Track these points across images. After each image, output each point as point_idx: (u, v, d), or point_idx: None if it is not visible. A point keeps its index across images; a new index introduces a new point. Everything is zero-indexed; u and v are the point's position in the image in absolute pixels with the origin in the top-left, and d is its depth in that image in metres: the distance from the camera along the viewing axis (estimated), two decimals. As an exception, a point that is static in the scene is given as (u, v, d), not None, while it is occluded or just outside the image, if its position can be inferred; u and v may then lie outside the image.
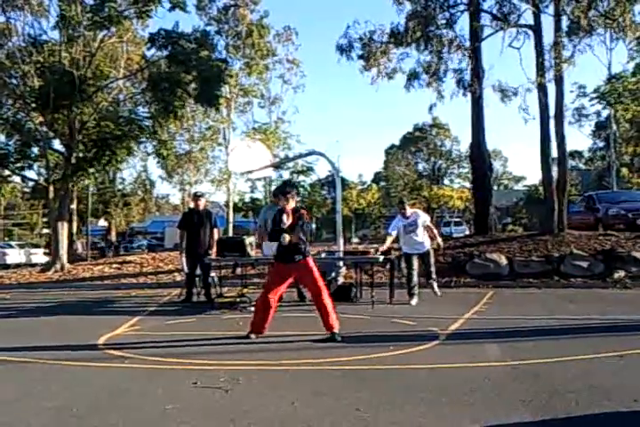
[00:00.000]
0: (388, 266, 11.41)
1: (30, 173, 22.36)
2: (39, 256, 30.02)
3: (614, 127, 38.88)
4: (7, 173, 21.36)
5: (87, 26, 17.97)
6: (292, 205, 7.24)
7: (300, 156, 27.51)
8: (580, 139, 79.27)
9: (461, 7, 17.71)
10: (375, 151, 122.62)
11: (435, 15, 17.33)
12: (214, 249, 10.67)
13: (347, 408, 4.27)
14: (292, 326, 7.36)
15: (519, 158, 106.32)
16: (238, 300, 10.48)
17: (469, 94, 17.72)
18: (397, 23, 17.58)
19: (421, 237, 10.38)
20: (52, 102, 17.45)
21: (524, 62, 20.27)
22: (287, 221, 7.01)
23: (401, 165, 61.54)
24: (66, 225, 19.61)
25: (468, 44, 17.56)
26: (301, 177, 35.89)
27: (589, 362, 5.46)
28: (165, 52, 18.74)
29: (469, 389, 4.66)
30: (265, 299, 7.05)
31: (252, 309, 9.31)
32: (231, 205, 34.92)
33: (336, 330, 6.80)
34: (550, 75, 16.34)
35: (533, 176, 72.31)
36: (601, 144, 50.97)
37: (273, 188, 29.65)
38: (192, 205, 11.66)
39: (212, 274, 11.17)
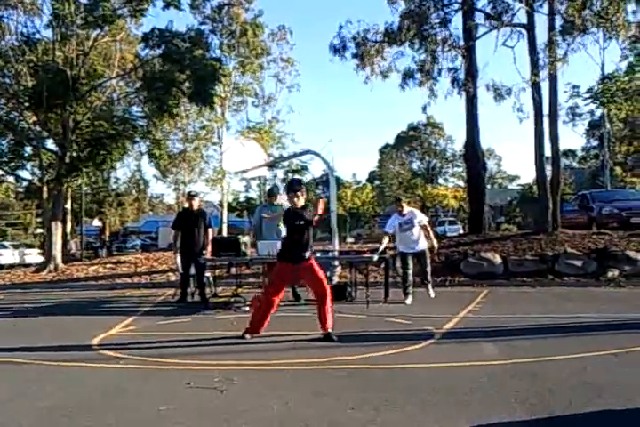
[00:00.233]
0: (382, 265, 11.44)
1: (24, 173, 22.23)
2: (33, 256, 29.89)
3: (608, 126, 38.97)
4: (0, 172, 21.28)
5: (81, 25, 17.91)
6: (302, 202, 7.22)
7: (295, 155, 27.51)
8: (573, 138, 79.83)
9: (455, 6, 17.75)
10: (369, 150, 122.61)
11: (429, 14, 17.36)
12: (209, 249, 10.66)
13: (343, 408, 4.27)
14: (287, 326, 7.35)
15: (513, 157, 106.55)
16: (233, 300, 10.48)
17: (464, 93, 17.75)
18: (392, 22, 17.63)
19: (417, 235, 10.38)
20: (45, 101, 17.39)
21: (518, 61, 20.34)
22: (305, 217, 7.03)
23: (395, 164, 61.60)
24: (60, 225, 19.55)
25: (462, 43, 17.59)
26: (296, 176, 35.85)
27: (584, 360, 5.47)
28: (159, 51, 18.70)
29: (465, 387, 4.67)
30: (268, 299, 7.03)
31: (247, 309, 9.35)
32: (225, 204, 34.85)
33: (331, 329, 6.80)
34: (544, 73, 16.39)
35: (527, 175, 72.49)
36: (594, 143, 51.11)
37: (267, 187, 29.64)
38: (186, 204, 11.65)
39: (207, 274, 11.16)
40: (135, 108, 21.02)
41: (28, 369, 5.75)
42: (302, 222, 7.02)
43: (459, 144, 54.76)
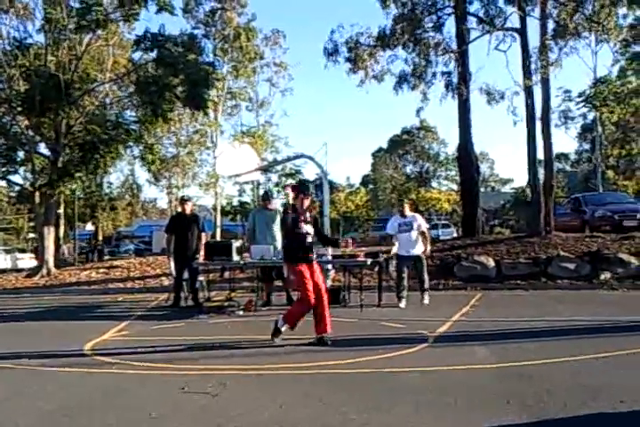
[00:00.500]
0: (376, 269, 11.44)
1: (16, 178, 22.12)
2: (25, 261, 29.75)
3: (600, 130, 39.15)
4: (-8, 177, 21.17)
5: (73, 29, 17.86)
6: (308, 204, 7.26)
7: (289, 159, 27.42)
8: (566, 141, 79.90)
9: (448, 10, 17.84)
10: (363, 154, 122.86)
11: (422, 18, 17.42)
12: (202, 253, 10.64)
13: (336, 412, 4.26)
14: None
15: (506, 161, 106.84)
16: (226, 304, 10.45)
17: (457, 97, 17.81)
18: (384, 26, 17.66)
19: (414, 239, 10.38)
20: (37, 106, 17.33)
21: (511, 65, 20.41)
22: (308, 225, 7.08)
23: (389, 167, 61.63)
24: (52, 230, 19.47)
25: (454, 47, 17.65)
26: (290, 180, 35.82)
27: (577, 363, 5.48)
28: (152, 56, 18.66)
29: (459, 391, 4.67)
30: (309, 299, 6.95)
31: (241, 313, 9.35)
32: (219, 208, 34.79)
33: (329, 331, 6.79)
34: (537, 77, 16.47)
35: (520, 178, 72.69)
36: (587, 146, 51.29)
37: (261, 191, 29.60)
38: (179, 209, 11.62)
39: (200, 278, 11.14)
40: (128, 113, 20.97)
41: (18, 374, 5.72)
42: (308, 226, 7.08)
43: (452, 148, 54.84)
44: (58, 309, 11.70)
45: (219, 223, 34.01)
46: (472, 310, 9.56)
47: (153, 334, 7.95)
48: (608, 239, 14.46)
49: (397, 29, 17.12)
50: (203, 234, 11.04)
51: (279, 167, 32.24)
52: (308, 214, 7.20)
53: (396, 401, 4.48)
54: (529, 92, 16.30)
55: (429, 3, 17.63)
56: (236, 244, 10.48)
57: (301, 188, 7.62)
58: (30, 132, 19.54)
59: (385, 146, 62.81)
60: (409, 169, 63.56)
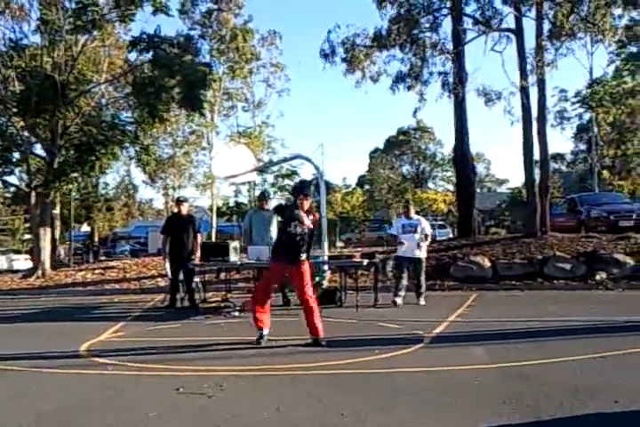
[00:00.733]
0: (372, 270, 11.45)
1: (12, 179, 22.06)
2: (21, 262, 29.70)
3: (596, 130, 39.23)
4: (-12, 178, 21.10)
5: (69, 30, 17.84)
6: (307, 205, 7.16)
7: (285, 160, 27.38)
8: (562, 141, 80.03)
9: (444, 11, 17.84)
10: (359, 154, 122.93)
11: (418, 19, 17.44)
12: (198, 254, 10.63)
13: (334, 412, 4.26)
14: (276, 331, 7.32)
15: (502, 161, 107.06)
16: (222, 305, 10.46)
17: (453, 97, 17.83)
18: (381, 27, 17.67)
19: (416, 241, 10.42)
20: (33, 107, 17.29)
21: (507, 66, 20.45)
22: (307, 221, 6.96)
23: (385, 168, 61.62)
24: (48, 231, 19.42)
25: (451, 47, 17.67)
26: (286, 181, 35.81)
27: (574, 363, 5.49)
28: (149, 57, 18.64)
29: (455, 391, 4.67)
30: (256, 295, 7.01)
31: (237, 314, 9.34)
32: (215, 209, 34.77)
33: (321, 335, 6.78)
34: (533, 78, 16.51)
35: (516, 179, 72.84)
36: (583, 147, 51.34)
37: (257, 192, 29.55)
38: (175, 209, 11.61)
39: (196, 279, 11.12)
40: (124, 114, 20.94)
41: (13, 376, 5.71)
42: (304, 226, 6.98)
43: (448, 148, 54.75)
44: (54, 310, 11.67)
45: (215, 224, 33.97)
46: (468, 310, 9.57)
47: (149, 334, 7.94)
48: (604, 240, 14.49)
49: (394, 30, 17.12)
50: (199, 235, 11.03)
51: (275, 168, 32.25)
52: (307, 217, 7.05)
53: (393, 401, 4.49)
54: (525, 92, 16.32)
55: (425, 3, 17.63)
56: (233, 244, 10.48)
57: (300, 189, 7.57)
58: (26, 133, 19.50)
59: (381, 146, 62.79)
60: (405, 169, 63.56)
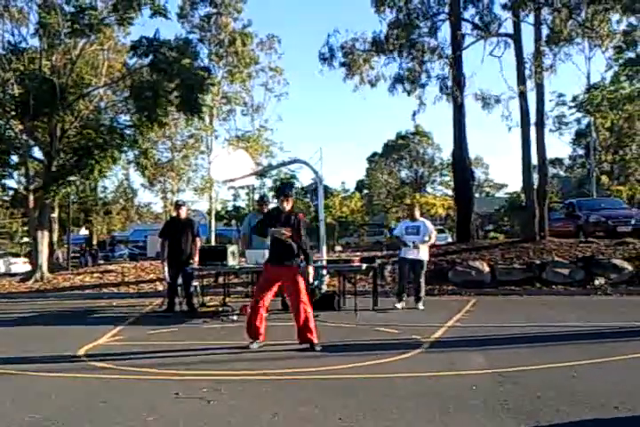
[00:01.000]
0: (371, 274, 11.45)
1: (10, 182, 22.04)
2: (19, 266, 29.64)
3: (594, 135, 39.28)
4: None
5: (67, 33, 17.86)
6: (289, 206, 7.16)
7: (284, 164, 27.43)
8: (560, 146, 79.99)
9: (443, 16, 17.86)
10: (358, 159, 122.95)
11: (417, 23, 17.47)
12: (196, 258, 10.61)
13: (331, 418, 4.26)
14: (275, 336, 7.32)
15: (501, 166, 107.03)
16: (221, 309, 10.46)
17: (451, 102, 17.85)
18: (379, 31, 17.71)
19: (417, 242, 10.45)
20: (32, 110, 17.30)
21: (505, 71, 20.49)
22: (287, 231, 6.92)
23: (383, 172, 61.66)
24: (46, 234, 19.41)
25: (449, 52, 17.69)
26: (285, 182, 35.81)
27: (571, 369, 5.48)
28: (147, 61, 18.66)
29: (453, 397, 4.67)
30: (252, 302, 7.00)
31: (235, 318, 9.33)
32: (213, 213, 34.77)
33: (315, 341, 6.75)
34: (531, 83, 16.54)
35: (515, 183, 72.89)
36: (581, 152, 51.41)
37: (256, 196, 29.58)
38: (174, 213, 11.59)
39: (195, 283, 11.11)
40: (123, 117, 20.94)
41: (11, 380, 5.70)
42: (289, 227, 6.94)
43: (447, 153, 54.95)
44: (52, 313, 11.65)
45: (213, 228, 33.95)
46: (466, 315, 9.56)
47: (147, 339, 7.92)
48: (602, 245, 14.50)
49: (392, 35, 17.16)
50: (198, 239, 11.01)
51: (274, 172, 32.32)
52: (290, 218, 7.05)
53: (390, 407, 4.48)
54: (523, 97, 16.35)
55: (424, 8, 17.66)
56: (231, 248, 10.46)
57: (281, 190, 7.66)
58: (24, 136, 19.47)
59: (379, 151, 62.83)
60: (404, 174, 63.59)
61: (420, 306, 10.41)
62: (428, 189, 61.52)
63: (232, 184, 15.47)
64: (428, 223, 10.76)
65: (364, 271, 10.99)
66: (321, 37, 30.41)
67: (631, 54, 22.14)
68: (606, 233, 16.53)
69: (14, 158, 19.89)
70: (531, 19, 16.83)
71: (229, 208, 38.08)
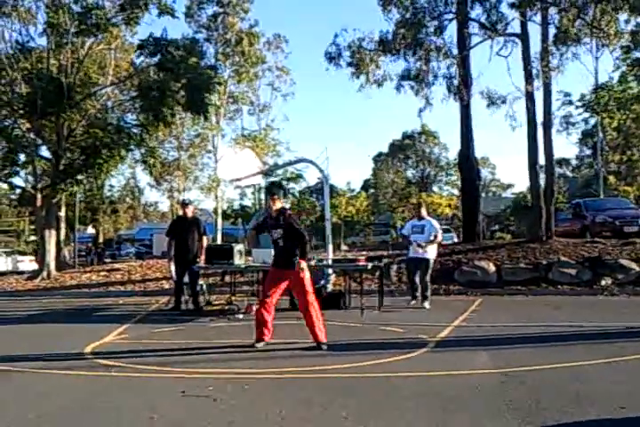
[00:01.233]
0: (377, 273, 11.46)
1: (17, 180, 22.13)
2: (26, 264, 29.75)
3: (601, 135, 39.13)
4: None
5: (75, 33, 17.91)
6: (277, 206, 7.19)
7: (290, 163, 27.51)
8: (567, 146, 79.87)
9: (450, 16, 17.84)
10: (364, 159, 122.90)
11: (424, 23, 17.44)
12: (203, 257, 10.63)
13: (336, 416, 4.26)
14: (281, 335, 7.33)
15: (507, 166, 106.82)
16: (227, 307, 10.47)
17: (458, 102, 17.82)
18: (386, 31, 17.71)
19: (422, 241, 10.52)
20: (39, 109, 17.37)
21: (512, 71, 20.43)
22: (278, 230, 6.98)
23: (390, 172, 61.61)
24: (53, 232, 19.48)
25: (456, 51, 17.67)
26: (291, 184, 35.92)
27: (577, 369, 5.47)
28: (154, 60, 18.71)
29: (458, 397, 4.66)
30: (261, 306, 7.03)
31: (241, 316, 9.35)
32: (220, 212, 34.82)
33: (322, 340, 6.76)
34: (538, 83, 16.49)
35: (521, 183, 72.72)
36: (588, 152, 51.31)
37: (262, 195, 29.64)
38: (181, 212, 11.61)
39: (201, 282, 11.13)
40: (130, 116, 21.00)
41: (18, 377, 5.72)
42: (280, 229, 7.01)
43: (453, 152, 54.86)
44: (58, 311, 11.69)
45: (219, 227, 34.00)
46: (472, 315, 9.54)
47: (153, 337, 7.94)
48: (609, 245, 14.45)
49: (399, 34, 17.15)
50: (204, 237, 11.03)
51: (280, 171, 32.36)
52: (279, 219, 7.09)
53: (395, 406, 4.48)
54: (530, 97, 16.31)
55: (431, 7, 17.64)
56: (238, 247, 10.48)
57: (267, 190, 7.74)
58: (32, 135, 19.57)
59: (385, 150, 62.76)
60: (410, 173, 63.52)
61: (427, 305, 10.42)
62: (435, 188, 61.42)
63: (238, 183, 15.48)
64: (434, 222, 10.79)
65: (370, 271, 10.99)
66: (325, 38, 30.50)
67: (639, 54, 22.02)
68: (613, 233, 16.48)
69: (22, 157, 19.98)
70: (538, 18, 16.80)
71: (236, 207, 38.14)
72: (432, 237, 10.53)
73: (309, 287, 6.94)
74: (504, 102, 17.70)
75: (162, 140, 29.79)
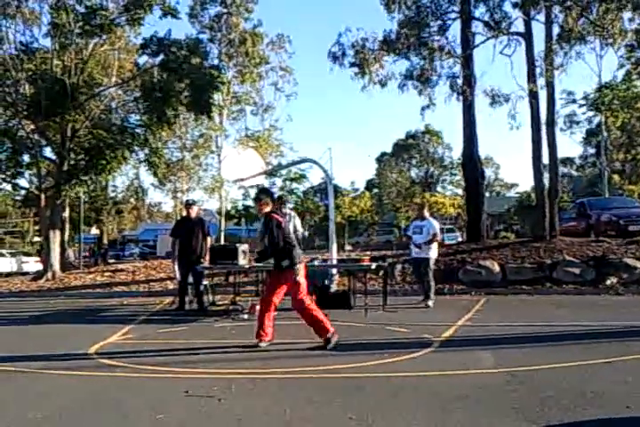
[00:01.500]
0: (381, 273, 11.46)
1: (22, 181, 22.19)
2: (31, 264, 29.83)
3: (605, 134, 39.07)
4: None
5: (79, 34, 17.96)
6: (264, 210, 7.21)
7: (293, 163, 27.41)
8: (571, 146, 79.74)
9: (453, 15, 17.82)
10: (367, 158, 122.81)
11: (427, 22, 17.43)
12: (207, 257, 10.63)
13: (341, 416, 4.26)
14: (285, 335, 7.33)
15: (511, 165, 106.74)
16: (231, 308, 10.47)
17: (462, 101, 17.79)
18: (390, 30, 17.68)
19: (421, 241, 10.67)
20: (43, 110, 17.42)
21: (516, 70, 20.38)
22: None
23: (393, 172, 61.61)
24: (58, 233, 19.51)
25: (459, 51, 17.65)
26: (294, 184, 35.85)
27: (581, 368, 5.46)
28: (157, 60, 18.74)
29: (463, 396, 4.65)
30: (260, 306, 7.04)
31: (245, 317, 9.35)
32: (224, 212, 34.82)
33: (328, 335, 6.75)
34: (542, 82, 16.46)
35: (525, 183, 72.73)
36: (592, 151, 51.24)
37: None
38: (185, 213, 11.61)
39: (205, 282, 11.14)
40: (134, 117, 21.04)
41: (22, 377, 5.73)
42: (262, 232, 7.09)
43: (457, 152, 54.77)
44: (63, 312, 11.71)
45: (223, 227, 34.00)
46: (477, 314, 9.53)
47: (157, 337, 7.95)
48: (613, 244, 14.42)
49: (402, 33, 17.13)
50: (208, 238, 11.04)
51: (284, 171, 32.31)
52: (265, 222, 7.13)
53: (400, 406, 4.48)
54: (534, 96, 16.28)
55: (434, 7, 17.62)
56: (242, 248, 10.48)
57: (255, 196, 7.80)
58: (36, 136, 19.62)
59: (389, 151, 62.77)
60: (414, 173, 63.52)
61: (430, 303, 10.45)
62: (439, 188, 61.43)
63: (242, 183, 15.48)
64: (434, 223, 10.88)
65: (374, 271, 11.00)
66: (326, 37, 30.44)
67: (643, 53, 21.99)
68: (617, 232, 16.44)
69: (26, 158, 20.05)
70: (542, 17, 16.79)
71: (239, 207, 38.11)
72: (430, 237, 10.60)
73: (300, 288, 6.88)
74: (507, 101, 17.66)
75: (165, 141, 29.78)
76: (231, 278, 12.21)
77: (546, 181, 16.73)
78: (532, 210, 21.11)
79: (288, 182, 33.27)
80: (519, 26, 16.91)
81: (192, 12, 33.12)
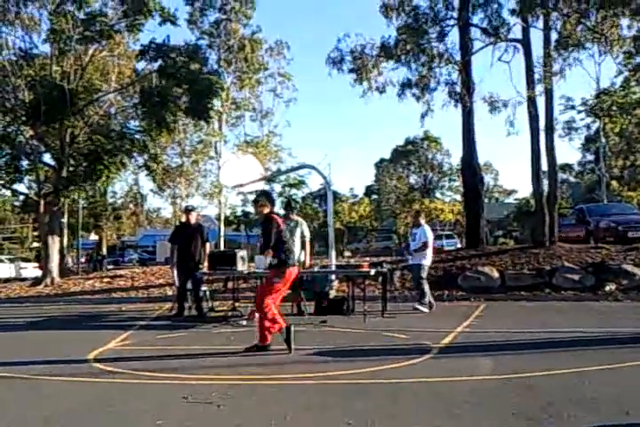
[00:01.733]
0: (380, 279, 11.45)
1: (20, 187, 22.19)
2: (29, 270, 29.79)
3: (603, 140, 39.13)
4: (-3, 186, 21.21)
5: (78, 40, 17.99)
6: (265, 211, 7.26)
7: (292, 169, 27.48)
8: (569, 152, 79.85)
9: (451, 22, 17.87)
10: (367, 164, 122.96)
11: (425, 29, 17.48)
12: (206, 263, 10.63)
13: (340, 422, 4.24)
14: (282, 341, 7.30)
15: (510, 171, 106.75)
16: (230, 314, 10.46)
17: (460, 108, 17.83)
18: (388, 36, 17.74)
19: (413, 248, 10.84)
20: (42, 116, 17.43)
21: (514, 76, 20.45)
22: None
23: (392, 178, 61.61)
24: (57, 239, 19.50)
25: (458, 57, 17.69)
26: (293, 190, 35.88)
27: (580, 375, 5.45)
28: (156, 66, 18.78)
29: (462, 402, 4.64)
30: (257, 311, 7.11)
31: (244, 323, 9.34)
32: (222, 218, 34.83)
33: (262, 345, 6.84)
34: (540, 88, 16.50)
35: (524, 189, 72.73)
36: (591, 157, 51.29)
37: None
38: (183, 218, 11.61)
39: (204, 288, 11.12)
40: (132, 123, 21.07)
41: (20, 383, 5.71)
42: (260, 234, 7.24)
43: (456, 158, 54.79)
44: (61, 318, 11.70)
45: (222, 233, 34.00)
46: (476, 321, 9.52)
47: (157, 343, 7.94)
48: (612, 250, 14.42)
49: (401, 40, 17.19)
50: (207, 244, 11.03)
51: (283, 177, 32.35)
52: (265, 223, 7.22)
53: (399, 412, 4.46)
54: (532, 102, 16.31)
55: (432, 13, 17.68)
56: (241, 253, 10.48)
57: (254, 199, 7.91)
58: (35, 142, 19.63)
59: (388, 156, 62.80)
60: (413, 179, 63.52)
61: (419, 307, 10.49)
62: (437, 194, 61.42)
63: (241, 189, 15.47)
64: (427, 230, 10.95)
65: (373, 276, 10.99)
66: (325, 43, 30.53)
67: (641, 59, 22.04)
68: (617, 239, 16.45)
69: (25, 164, 20.05)
70: (540, 24, 16.83)
71: (238, 213, 38.12)
72: (420, 245, 10.66)
73: (267, 288, 7.00)
74: (505, 106, 17.67)
75: (164, 147, 29.85)
76: (230, 284, 12.18)
77: (545, 187, 16.74)
78: (531, 216, 21.12)
79: (287, 188, 33.32)
80: (517, 32, 16.99)
81: (191, 18, 33.23)
